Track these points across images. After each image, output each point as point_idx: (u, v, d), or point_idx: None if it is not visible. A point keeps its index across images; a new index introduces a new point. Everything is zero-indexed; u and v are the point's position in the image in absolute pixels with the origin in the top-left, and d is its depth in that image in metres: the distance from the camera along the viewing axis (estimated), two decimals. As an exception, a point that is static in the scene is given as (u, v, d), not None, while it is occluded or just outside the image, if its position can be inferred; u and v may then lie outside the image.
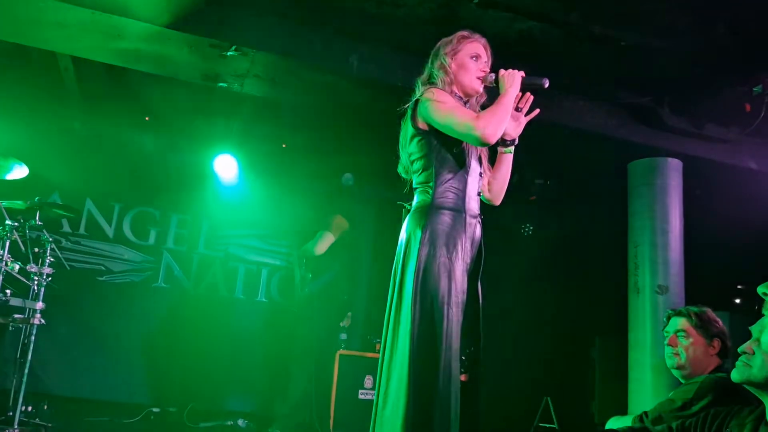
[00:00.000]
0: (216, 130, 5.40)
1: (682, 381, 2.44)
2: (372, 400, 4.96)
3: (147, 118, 5.19)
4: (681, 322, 2.43)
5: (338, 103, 4.69)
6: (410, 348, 2.11)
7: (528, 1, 3.74)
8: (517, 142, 2.49)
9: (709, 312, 2.44)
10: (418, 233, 2.22)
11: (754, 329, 1.73)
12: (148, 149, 5.40)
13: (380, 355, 2.27)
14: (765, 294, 1.60)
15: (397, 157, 2.48)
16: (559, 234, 6.90)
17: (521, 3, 3.75)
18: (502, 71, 2.32)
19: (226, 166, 5.39)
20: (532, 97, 2.45)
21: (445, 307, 2.15)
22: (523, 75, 2.31)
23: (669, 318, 2.51)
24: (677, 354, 2.40)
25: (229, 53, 3.98)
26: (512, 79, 2.28)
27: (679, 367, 2.40)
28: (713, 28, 3.84)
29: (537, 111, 2.47)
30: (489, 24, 3.87)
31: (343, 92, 4.46)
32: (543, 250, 6.80)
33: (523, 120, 2.47)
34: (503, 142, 2.48)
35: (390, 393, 2.16)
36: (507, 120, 2.26)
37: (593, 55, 4.24)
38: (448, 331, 2.13)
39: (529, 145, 2.64)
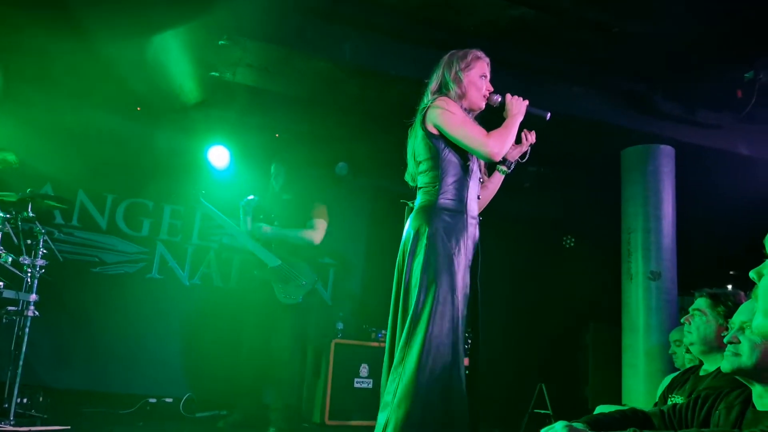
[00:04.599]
0: (208, 120, 5.37)
1: (699, 357, 2.51)
2: (368, 389, 5.00)
3: (138, 109, 5.15)
4: (699, 302, 2.49)
5: (331, 92, 4.66)
6: (425, 333, 2.31)
7: (520, -14, 3.73)
8: (513, 166, 2.75)
9: (737, 296, 2.46)
10: (425, 230, 2.43)
11: (734, 320, 1.74)
12: (141, 140, 5.36)
13: (389, 341, 2.48)
14: (754, 278, 1.61)
15: (404, 165, 2.70)
16: (552, 220, 6.92)
17: (514, -11, 3.74)
18: (508, 96, 2.57)
19: (219, 156, 5.37)
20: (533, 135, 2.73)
21: (452, 296, 2.37)
22: (527, 103, 2.56)
23: (696, 298, 2.58)
24: (690, 332, 2.48)
25: (220, 42, 3.95)
26: (519, 107, 2.54)
27: (690, 344, 2.48)
28: (706, 13, 3.84)
29: (533, 140, 2.74)
30: (482, 10, 3.86)
31: (337, 80, 4.43)
32: (536, 236, 6.82)
33: (526, 147, 2.74)
34: (503, 161, 2.73)
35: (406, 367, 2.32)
36: (512, 142, 2.53)
37: (586, 41, 4.23)
38: (455, 315, 2.36)
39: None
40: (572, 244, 6.62)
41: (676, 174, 5.16)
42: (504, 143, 2.45)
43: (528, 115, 2.55)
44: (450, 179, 2.49)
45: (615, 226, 5.28)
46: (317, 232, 4.54)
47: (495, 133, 2.47)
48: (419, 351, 2.27)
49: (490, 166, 2.74)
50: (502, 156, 2.46)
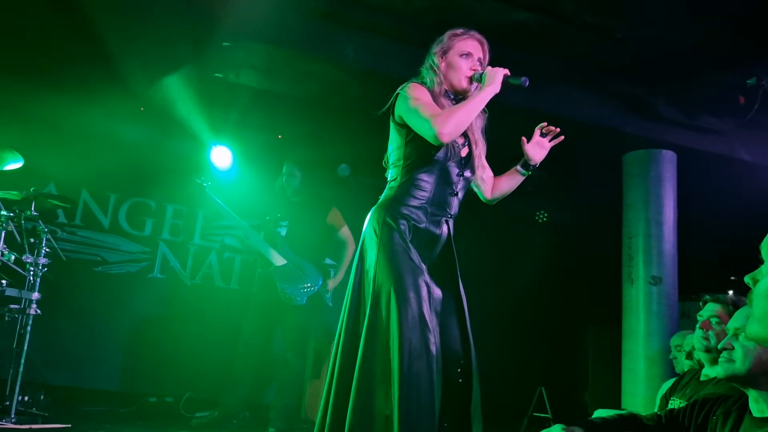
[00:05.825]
0: (212, 120, 5.39)
1: (706, 364, 2.45)
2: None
3: (142, 109, 5.17)
4: (717, 309, 2.43)
5: (334, 94, 4.68)
6: (365, 337, 2.09)
7: (523, -9, 3.75)
8: (538, 165, 2.46)
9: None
10: (377, 228, 2.20)
11: (729, 326, 1.75)
12: (144, 140, 5.38)
13: (343, 346, 2.23)
14: (749, 283, 1.62)
15: (386, 162, 2.44)
16: (554, 224, 6.92)
17: (516, -7, 3.76)
18: (489, 68, 2.23)
19: (221, 157, 5.39)
20: (558, 129, 2.44)
21: (413, 296, 2.08)
22: (506, 73, 2.21)
23: (705, 303, 2.50)
24: (707, 338, 2.40)
25: (224, 44, 3.97)
26: (492, 78, 2.18)
27: (707, 351, 2.41)
28: (708, 18, 3.85)
29: (562, 137, 2.46)
30: (484, 14, 3.87)
31: (339, 82, 4.45)
32: (538, 240, 6.83)
33: (548, 146, 2.45)
34: (525, 164, 2.46)
35: (375, 378, 2.09)
36: (470, 118, 2.16)
37: (588, 45, 4.24)
38: (414, 317, 2.06)
39: (527, 136, 2.63)
40: (545, 219, 6.51)
41: (677, 179, 5.17)
42: (453, 120, 2.08)
43: (507, 87, 2.21)
44: (413, 171, 2.24)
45: (616, 231, 5.29)
46: (350, 243, 4.64)
47: (447, 109, 2.17)
48: (393, 359, 2.03)
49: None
50: (453, 136, 2.12)
